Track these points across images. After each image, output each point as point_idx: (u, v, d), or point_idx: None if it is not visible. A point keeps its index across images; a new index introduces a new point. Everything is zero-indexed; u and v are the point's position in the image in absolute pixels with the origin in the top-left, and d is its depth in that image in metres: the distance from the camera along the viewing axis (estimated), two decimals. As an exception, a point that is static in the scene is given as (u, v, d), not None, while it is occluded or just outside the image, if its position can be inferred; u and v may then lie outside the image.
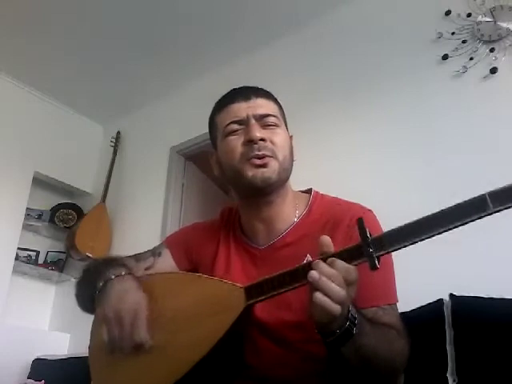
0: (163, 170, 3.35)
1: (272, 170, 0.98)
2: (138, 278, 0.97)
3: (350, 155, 2.44)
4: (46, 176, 3.56)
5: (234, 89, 1.09)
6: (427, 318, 1.66)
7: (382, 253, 0.69)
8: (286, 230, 1.03)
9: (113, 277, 0.95)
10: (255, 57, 3.12)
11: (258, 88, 1.08)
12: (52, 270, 3.49)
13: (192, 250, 1.13)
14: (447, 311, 1.64)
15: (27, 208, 3.38)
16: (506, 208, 0.63)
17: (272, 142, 0.99)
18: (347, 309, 0.74)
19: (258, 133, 0.97)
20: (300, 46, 2.92)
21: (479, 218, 0.64)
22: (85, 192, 3.77)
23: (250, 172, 0.97)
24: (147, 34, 3.05)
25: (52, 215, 3.63)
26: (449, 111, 2.16)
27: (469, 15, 2.22)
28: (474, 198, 0.65)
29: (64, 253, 3.57)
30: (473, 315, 1.58)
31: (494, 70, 2.08)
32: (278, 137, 1.01)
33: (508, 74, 2.05)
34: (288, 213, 1.04)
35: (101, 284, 0.95)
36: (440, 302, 1.67)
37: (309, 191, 1.11)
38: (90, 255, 3.27)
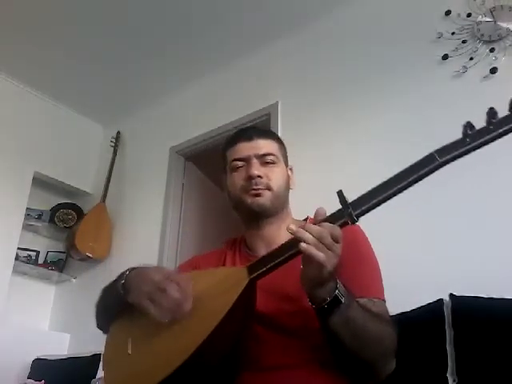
0: (163, 170, 3.35)
1: (265, 198, 1.16)
2: None
3: (349, 156, 2.44)
4: (46, 176, 3.56)
5: (242, 129, 1.32)
6: (427, 317, 1.66)
7: (359, 211, 0.83)
8: None
9: (127, 272, 1.04)
10: (255, 57, 3.11)
11: (261, 130, 1.30)
12: (52, 270, 3.49)
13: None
14: (447, 311, 1.64)
15: (27, 208, 3.38)
16: (451, 159, 0.80)
17: (268, 177, 1.17)
18: (335, 278, 0.88)
19: (256, 171, 1.16)
20: (299, 47, 2.92)
21: (432, 171, 0.80)
22: (85, 192, 3.77)
23: (248, 200, 1.16)
24: (147, 34, 3.05)
25: (52, 215, 3.63)
26: (449, 111, 2.16)
27: (469, 15, 2.22)
28: (424, 155, 0.82)
29: (64, 253, 3.57)
30: (473, 315, 1.58)
31: (493, 70, 2.08)
32: (274, 173, 1.19)
33: (508, 73, 2.05)
34: (285, 234, 1.18)
35: (122, 282, 1.02)
36: (440, 302, 1.67)
37: (306, 219, 1.24)
38: (90, 255, 3.27)
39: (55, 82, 3.53)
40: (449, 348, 1.56)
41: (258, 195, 1.15)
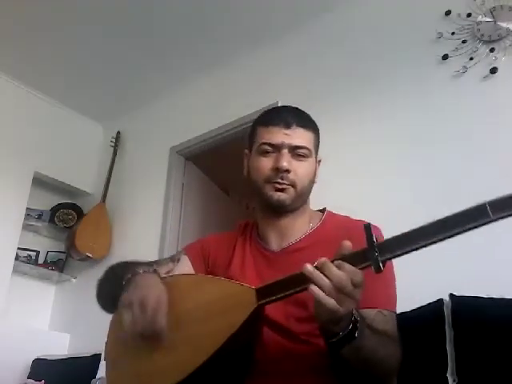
0: (163, 170, 3.35)
1: (287, 196, 1.09)
2: (161, 277, 1.04)
3: (348, 156, 2.44)
4: (46, 176, 3.56)
5: (282, 107, 1.20)
6: (427, 317, 1.66)
7: (386, 257, 0.73)
8: (299, 237, 1.13)
9: (141, 271, 1.02)
10: (255, 57, 3.11)
11: (301, 116, 1.16)
12: (52, 270, 3.49)
13: (209, 255, 1.21)
14: (447, 311, 1.64)
15: (27, 208, 3.38)
16: (506, 216, 0.66)
17: (296, 173, 1.09)
18: (351, 312, 0.79)
19: (285, 163, 1.08)
20: (300, 47, 2.92)
21: (480, 226, 0.67)
22: (85, 192, 3.77)
23: (270, 192, 1.10)
24: (147, 34, 3.05)
25: (52, 215, 3.63)
26: (449, 111, 2.16)
27: (469, 15, 2.22)
28: (475, 206, 0.68)
29: (64, 253, 3.57)
30: (473, 315, 1.58)
31: (493, 70, 2.08)
32: (303, 168, 1.11)
33: (508, 73, 2.05)
34: (301, 225, 1.15)
35: (129, 276, 1.00)
36: (440, 302, 1.67)
37: (323, 210, 1.21)
38: (90, 255, 3.27)
39: (55, 82, 3.53)
40: (449, 348, 1.56)
41: (281, 190, 1.09)
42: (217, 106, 3.18)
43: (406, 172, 2.20)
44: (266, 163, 1.10)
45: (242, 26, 2.96)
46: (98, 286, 1.15)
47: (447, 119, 2.16)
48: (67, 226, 3.62)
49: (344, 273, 0.74)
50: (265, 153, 1.11)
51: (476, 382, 1.48)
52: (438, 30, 2.28)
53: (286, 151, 1.09)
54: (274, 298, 0.84)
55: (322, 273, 0.75)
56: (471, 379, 1.49)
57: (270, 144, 1.10)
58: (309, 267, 0.76)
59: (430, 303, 1.69)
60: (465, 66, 2.16)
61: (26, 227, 3.39)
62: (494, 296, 1.57)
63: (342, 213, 1.21)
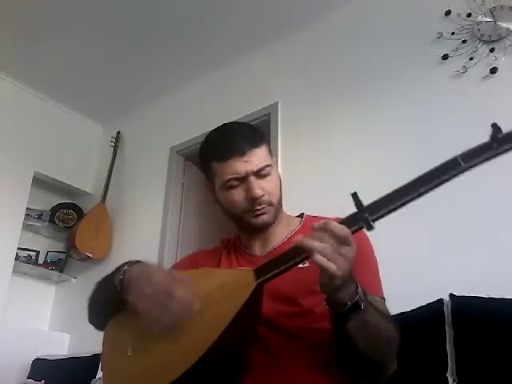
0: (163, 170, 3.35)
1: (269, 215, 1.12)
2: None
3: (348, 156, 2.44)
4: (46, 176, 3.56)
5: (228, 133, 1.15)
6: (427, 317, 1.66)
7: (375, 216, 0.78)
8: (281, 241, 1.16)
9: (126, 267, 1.01)
10: (255, 57, 3.11)
11: (248, 133, 1.13)
12: (52, 270, 3.49)
13: (197, 267, 1.22)
14: (447, 311, 1.64)
15: (27, 208, 3.38)
16: (476, 164, 0.75)
17: (268, 192, 1.10)
18: (354, 282, 0.84)
19: (258, 190, 1.07)
20: (299, 46, 2.92)
21: (455, 176, 0.76)
22: (85, 192, 3.77)
23: (254, 220, 1.12)
24: (147, 34, 3.05)
25: (52, 215, 3.63)
26: (449, 111, 2.16)
27: (469, 15, 2.22)
28: (448, 159, 0.77)
29: (64, 253, 3.57)
30: (473, 315, 1.58)
31: (493, 70, 2.08)
32: (272, 183, 1.12)
33: (508, 74, 2.05)
34: (281, 230, 1.18)
35: (120, 277, 0.99)
36: (440, 302, 1.67)
37: (301, 215, 1.24)
38: (90, 255, 3.27)
39: (55, 83, 3.53)
40: (449, 348, 1.56)
41: (262, 214, 1.10)
42: (217, 106, 3.18)
43: (406, 171, 2.19)
44: (237, 196, 1.10)
45: (242, 26, 2.96)
46: (88, 304, 1.13)
47: (447, 119, 2.16)
48: (67, 226, 3.62)
49: (324, 230, 0.79)
50: (232, 187, 1.10)
51: (476, 382, 1.48)
52: (437, 30, 2.28)
53: (252, 178, 1.08)
54: (272, 274, 0.86)
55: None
56: (471, 379, 1.49)
57: (235, 178, 1.08)
58: (299, 237, 0.81)
59: (429, 303, 1.69)
60: (465, 66, 2.16)
61: (26, 227, 3.39)
62: (494, 296, 1.57)
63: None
